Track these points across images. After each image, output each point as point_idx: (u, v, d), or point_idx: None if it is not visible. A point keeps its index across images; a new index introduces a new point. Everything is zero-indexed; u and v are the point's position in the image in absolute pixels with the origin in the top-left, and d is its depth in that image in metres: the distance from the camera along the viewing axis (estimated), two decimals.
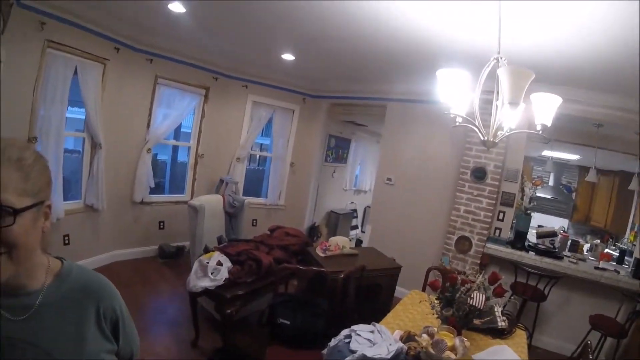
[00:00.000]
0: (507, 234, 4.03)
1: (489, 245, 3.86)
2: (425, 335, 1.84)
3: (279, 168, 5.66)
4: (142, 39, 4.08)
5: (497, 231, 4.05)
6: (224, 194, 4.55)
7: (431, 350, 1.69)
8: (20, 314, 0.74)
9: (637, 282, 3.30)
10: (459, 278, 2.04)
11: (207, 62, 4.69)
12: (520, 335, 2.25)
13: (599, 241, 4.92)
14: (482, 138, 1.81)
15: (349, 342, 1.78)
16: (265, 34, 3.44)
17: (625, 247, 4.37)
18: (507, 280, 3.03)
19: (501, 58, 1.78)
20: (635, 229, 4.53)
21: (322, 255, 3.21)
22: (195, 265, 2.90)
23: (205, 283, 2.73)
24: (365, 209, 8.01)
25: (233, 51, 4.33)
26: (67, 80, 3.58)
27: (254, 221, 5.45)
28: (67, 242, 3.84)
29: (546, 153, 5.94)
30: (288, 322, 2.36)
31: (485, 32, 2.39)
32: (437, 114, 2.92)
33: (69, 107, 3.80)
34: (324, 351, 1.87)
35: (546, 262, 3.62)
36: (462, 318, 1.97)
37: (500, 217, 4.03)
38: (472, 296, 1.94)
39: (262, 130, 5.96)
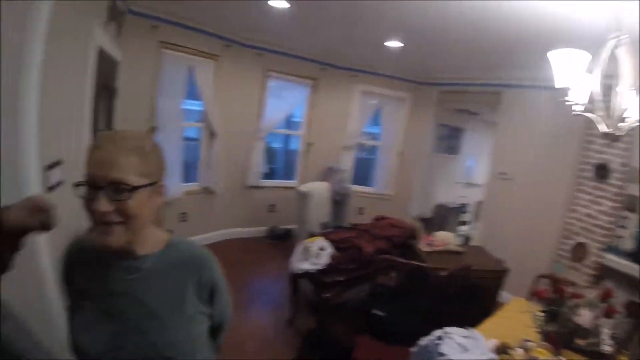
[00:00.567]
0: (628, 244, 3.30)
1: (606, 255, 3.28)
2: (520, 350, 1.70)
3: (387, 157, 5.61)
4: (250, 36, 4.33)
5: (617, 240, 3.37)
6: (331, 181, 4.64)
7: None
8: (133, 273, 0.89)
9: None
10: (568, 290, 1.81)
11: (314, 54, 4.80)
12: None
13: None
14: (603, 129, 1.54)
15: (439, 344, 1.70)
16: (373, 22, 3.34)
17: None
18: (621, 297, 2.54)
19: (623, 36, 1.49)
20: None
21: (426, 250, 3.08)
22: (300, 249, 3.03)
23: (306, 266, 2.84)
24: (476, 204, 7.46)
25: (340, 41, 4.28)
26: (182, 77, 4.00)
27: (360, 209, 5.46)
28: (184, 219, 4.32)
29: None
30: (382, 314, 2.33)
31: (604, 7, 2.00)
32: (554, 101, 2.53)
33: (189, 100, 4.25)
34: (413, 349, 1.83)
35: None
36: (564, 336, 1.75)
37: (622, 224, 3.34)
38: (579, 313, 1.71)
39: (372, 119, 5.94)
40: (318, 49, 4.71)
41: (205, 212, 4.57)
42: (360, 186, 5.62)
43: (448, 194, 6.73)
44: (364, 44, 4.25)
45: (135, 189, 0.79)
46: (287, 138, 6.45)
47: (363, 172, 6.10)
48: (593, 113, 1.58)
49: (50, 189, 1.70)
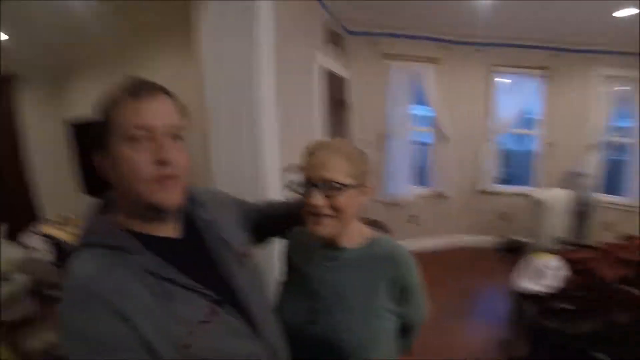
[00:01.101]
0: None
1: None
2: None
3: None
4: (466, 32, 4.22)
5: None
6: (572, 188, 4.03)
7: None
8: (332, 261, 1.08)
9: None
10: None
11: (539, 39, 4.26)
12: None
13: None
14: None
15: None
16: None
17: None
18: None
19: None
20: None
21: None
22: (529, 265, 2.81)
23: (534, 286, 2.61)
24: None
25: (565, 20, 3.67)
26: (407, 84, 4.36)
27: (607, 225, 4.42)
28: (414, 221, 4.62)
29: None
30: None
31: None
32: None
33: (421, 106, 4.51)
34: None
35: None
36: None
37: None
38: None
39: (620, 110, 4.73)
40: (543, 34, 4.15)
41: (436, 216, 4.75)
42: (609, 195, 4.59)
43: None
44: (593, 19, 3.53)
45: (344, 187, 0.97)
46: (523, 138, 5.80)
47: (613, 178, 4.93)
48: None
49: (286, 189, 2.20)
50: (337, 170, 0.97)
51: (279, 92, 2.08)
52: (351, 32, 4.02)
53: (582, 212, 4.02)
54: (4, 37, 3.54)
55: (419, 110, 4.87)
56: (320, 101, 3.08)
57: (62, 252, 3.60)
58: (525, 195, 4.58)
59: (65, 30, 3.58)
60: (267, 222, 1.20)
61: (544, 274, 2.61)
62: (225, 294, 0.87)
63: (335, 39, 3.53)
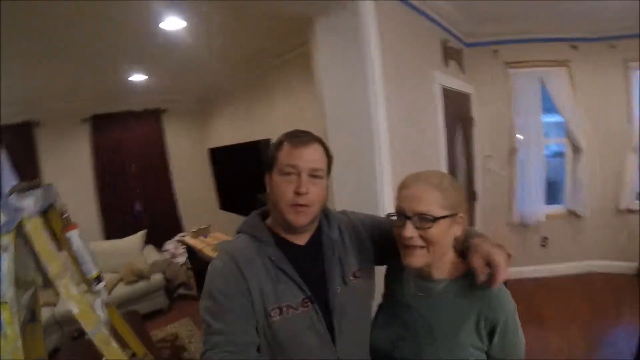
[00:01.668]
0: None
1: None
2: None
3: None
4: (598, 27, 3.67)
5: None
6: None
7: None
8: (424, 292, 1.08)
9: None
10: None
11: None
12: None
13: None
14: None
15: None
16: None
17: None
18: None
19: None
20: None
21: None
22: None
23: None
24: None
25: None
26: (536, 91, 3.97)
27: None
28: (544, 244, 4.19)
29: None
30: None
31: None
32: None
33: (551, 114, 4.14)
34: None
35: None
36: None
37: None
38: None
39: None
40: None
41: (569, 239, 4.19)
42: None
43: None
44: None
45: (436, 219, 0.96)
46: None
47: None
48: None
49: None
50: (429, 202, 0.97)
51: (398, 118, 2.18)
52: (469, 45, 3.89)
53: None
54: (144, 77, 4.13)
55: (551, 120, 4.46)
56: (442, 120, 3.08)
57: (194, 257, 4.07)
58: None
59: (200, 71, 4.21)
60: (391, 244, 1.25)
61: None
62: (319, 297, 1.06)
63: (454, 55, 3.49)
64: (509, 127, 4.10)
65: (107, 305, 1.50)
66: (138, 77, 4.13)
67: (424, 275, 1.07)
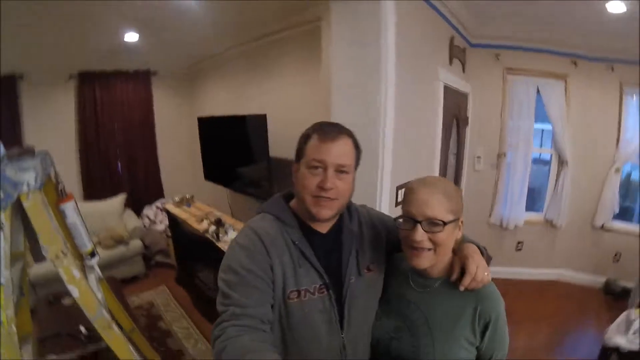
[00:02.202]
0: None
1: None
2: None
3: None
4: (597, 47, 3.74)
5: None
6: None
7: None
8: (421, 288, 1.14)
9: None
10: None
11: None
12: None
13: None
14: None
15: None
16: None
17: None
18: None
19: None
20: None
21: None
22: (621, 317, 2.56)
23: (621, 340, 2.36)
24: None
25: None
26: (530, 100, 4.04)
27: None
28: (519, 248, 4.34)
29: None
30: None
31: None
32: None
33: (543, 124, 4.21)
34: None
35: None
36: None
37: None
38: None
39: None
40: None
41: (543, 246, 4.36)
42: None
43: None
44: None
45: (445, 224, 1.02)
46: None
47: None
48: None
49: (398, 203, 2.22)
50: (438, 208, 1.02)
51: (401, 112, 2.15)
52: (473, 45, 3.91)
53: None
54: (136, 36, 3.90)
55: (541, 130, 4.54)
56: (441, 118, 3.09)
57: (175, 226, 4.02)
58: None
59: (195, 37, 4.06)
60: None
61: (634, 329, 2.34)
62: (336, 285, 1.10)
63: (458, 54, 3.48)
64: (500, 131, 4.17)
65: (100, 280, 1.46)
66: (131, 37, 3.94)
67: (421, 272, 1.12)
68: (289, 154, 3.81)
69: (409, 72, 2.33)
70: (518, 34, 3.81)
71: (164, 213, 4.91)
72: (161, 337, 3.07)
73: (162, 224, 4.80)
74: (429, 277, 1.12)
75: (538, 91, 4.05)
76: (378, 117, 2.02)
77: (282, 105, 3.64)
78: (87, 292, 1.16)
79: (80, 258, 1.45)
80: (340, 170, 1.07)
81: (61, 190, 1.39)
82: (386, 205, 2.10)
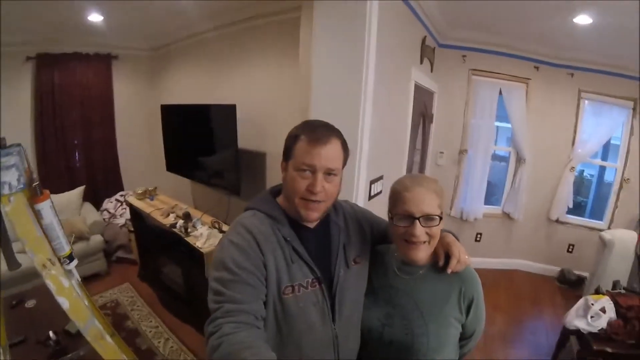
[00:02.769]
0: None
1: None
2: None
3: None
4: (560, 55, 3.98)
5: None
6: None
7: None
8: (408, 275, 1.21)
9: None
10: None
11: (634, 69, 3.91)
12: None
13: None
14: None
15: None
16: None
17: None
18: None
19: None
20: None
21: None
22: (580, 302, 2.75)
23: (580, 324, 2.56)
24: None
25: None
26: (493, 101, 4.24)
27: None
28: (478, 239, 4.57)
29: None
30: None
31: None
32: None
33: (501, 122, 4.43)
34: None
35: None
36: None
37: None
38: None
39: None
40: (637, 63, 3.81)
41: (501, 238, 4.63)
42: None
43: None
44: None
45: (440, 219, 1.12)
46: (604, 170, 5.49)
47: None
48: None
49: (372, 197, 2.33)
50: (431, 204, 1.10)
51: (377, 109, 2.17)
52: (442, 45, 4.03)
53: None
54: (99, 17, 3.69)
55: (502, 128, 4.78)
56: (410, 115, 3.14)
57: (137, 220, 3.86)
58: (595, 230, 4.27)
59: (162, 19, 3.86)
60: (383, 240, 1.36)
61: (592, 313, 2.56)
62: (326, 278, 1.13)
63: (429, 53, 3.56)
64: (463, 128, 4.34)
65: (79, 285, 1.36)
66: (94, 17, 3.70)
67: (409, 261, 1.19)
68: (257, 145, 3.75)
69: (386, 69, 2.36)
70: (485, 39, 3.97)
71: (124, 206, 4.70)
72: (129, 337, 2.95)
73: (122, 218, 4.60)
74: (414, 265, 1.19)
75: (500, 92, 4.24)
76: (357, 114, 2.04)
77: (252, 95, 3.54)
78: (77, 302, 1.08)
79: (57, 261, 1.34)
80: (329, 173, 1.08)
81: (36, 187, 1.24)
82: (362, 200, 2.15)
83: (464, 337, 1.23)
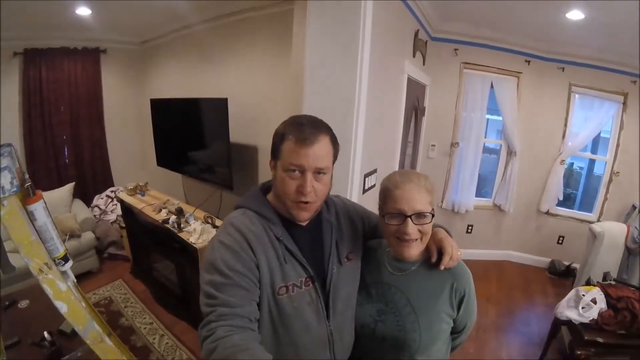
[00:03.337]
0: None
1: None
2: None
3: None
4: (552, 49, 4.03)
5: None
6: (629, 224, 3.83)
7: None
8: (400, 271, 1.21)
9: None
10: None
11: (624, 64, 3.96)
12: None
13: None
14: None
15: None
16: None
17: None
18: None
19: None
20: None
21: None
22: (571, 293, 2.78)
23: (572, 314, 2.61)
24: None
25: None
26: (484, 94, 4.27)
27: None
28: (469, 231, 4.62)
29: None
30: None
31: None
32: None
33: (492, 115, 4.46)
34: None
35: None
36: None
37: None
38: None
39: None
40: (627, 60, 3.89)
41: (492, 229, 4.70)
42: None
43: None
44: None
45: (432, 216, 1.12)
46: (593, 163, 5.57)
47: None
48: None
49: (366, 190, 2.33)
50: (423, 202, 1.10)
51: (371, 103, 2.17)
52: (434, 39, 4.05)
53: (634, 250, 3.65)
54: (87, 11, 3.64)
55: (493, 121, 4.81)
56: (404, 109, 3.15)
57: (129, 215, 3.82)
58: (585, 222, 4.33)
59: (152, 12, 3.80)
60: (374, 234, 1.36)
61: (583, 304, 2.60)
62: (319, 276, 1.12)
63: (421, 46, 3.56)
64: (454, 121, 4.37)
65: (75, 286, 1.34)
66: (82, 11, 3.63)
67: (401, 258, 1.18)
68: (249, 139, 3.72)
69: (380, 63, 2.35)
70: (477, 33, 3.99)
71: (115, 202, 4.65)
72: (124, 335, 2.93)
73: (113, 214, 4.55)
74: (406, 262, 1.18)
75: (492, 85, 4.27)
76: (352, 109, 2.03)
77: (243, 89, 3.51)
78: (75, 306, 1.06)
79: (51, 263, 1.32)
80: (319, 172, 1.06)
81: (28, 187, 1.20)
82: (356, 194, 2.14)
83: (456, 332, 1.24)
